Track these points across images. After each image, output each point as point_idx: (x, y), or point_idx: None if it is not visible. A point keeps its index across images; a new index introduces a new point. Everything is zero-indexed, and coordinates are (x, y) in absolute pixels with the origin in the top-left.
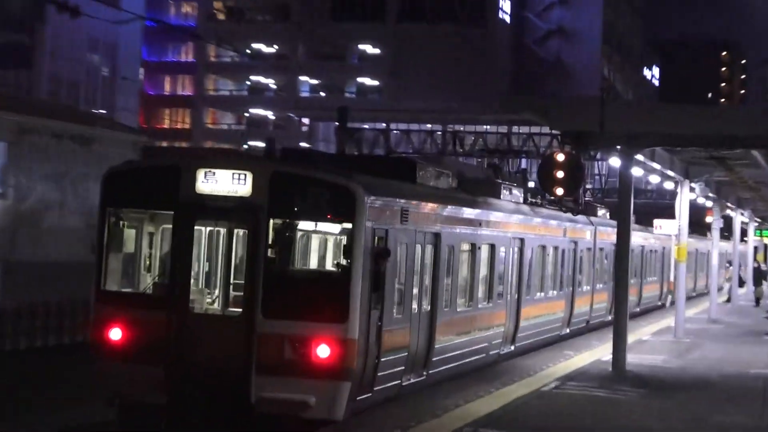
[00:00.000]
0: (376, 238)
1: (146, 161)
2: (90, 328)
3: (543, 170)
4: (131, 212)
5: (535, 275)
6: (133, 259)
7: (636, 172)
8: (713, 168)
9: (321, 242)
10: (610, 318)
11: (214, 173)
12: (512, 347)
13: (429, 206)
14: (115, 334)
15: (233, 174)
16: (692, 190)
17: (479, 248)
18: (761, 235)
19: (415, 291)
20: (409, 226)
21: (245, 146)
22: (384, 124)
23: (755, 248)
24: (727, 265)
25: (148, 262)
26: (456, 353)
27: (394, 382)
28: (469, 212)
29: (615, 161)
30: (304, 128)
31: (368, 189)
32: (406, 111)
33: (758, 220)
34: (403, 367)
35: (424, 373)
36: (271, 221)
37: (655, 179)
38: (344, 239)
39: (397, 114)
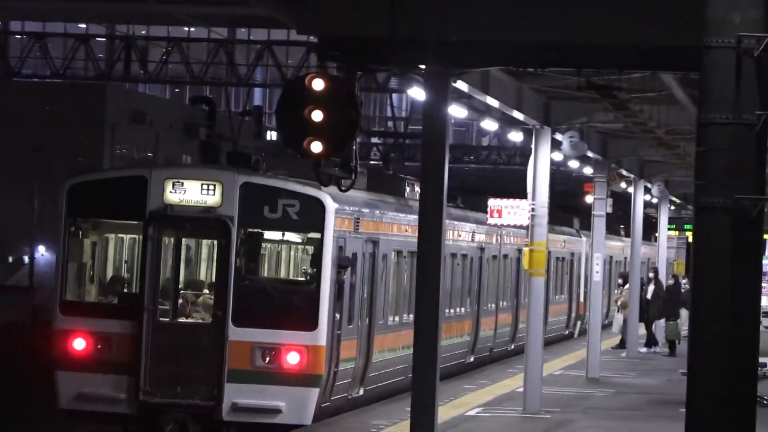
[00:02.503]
0: (338, 247)
1: (111, 171)
2: (52, 339)
3: (286, 109)
4: (95, 222)
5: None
6: (98, 269)
7: (456, 111)
8: (594, 106)
9: (290, 252)
10: (513, 347)
11: (182, 184)
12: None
13: (375, 212)
14: (79, 344)
15: (202, 185)
16: (557, 145)
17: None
18: (685, 229)
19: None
20: (360, 235)
21: None
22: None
23: (673, 251)
24: (619, 282)
25: (113, 273)
26: (389, 370)
27: (344, 394)
28: (400, 217)
29: (418, 93)
30: None
31: (334, 199)
32: None
33: (676, 199)
34: (350, 380)
35: (362, 389)
36: (241, 231)
37: (491, 126)
38: (312, 249)
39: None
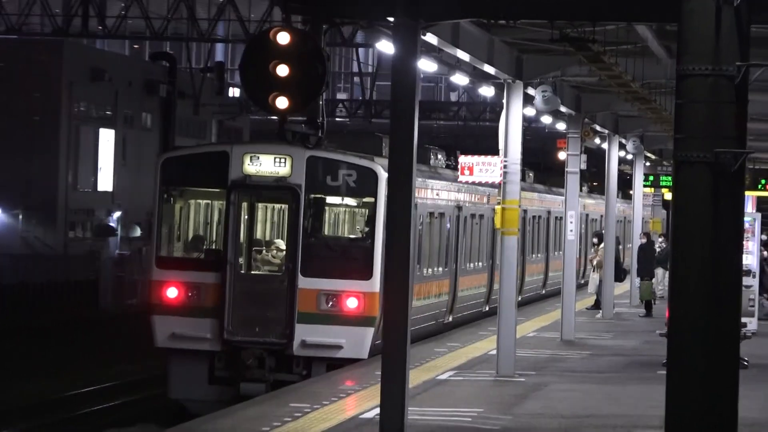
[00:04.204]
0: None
1: (198, 147)
2: (149, 289)
3: (251, 64)
4: (185, 190)
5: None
6: (187, 229)
7: (426, 65)
8: (567, 60)
9: (348, 214)
10: (487, 308)
11: (258, 157)
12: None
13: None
14: (172, 292)
15: (275, 158)
16: (530, 100)
17: None
18: (661, 185)
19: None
20: None
21: None
22: None
23: (649, 208)
24: (594, 242)
25: (200, 232)
26: (420, 316)
27: None
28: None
29: (386, 46)
30: None
31: (385, 169)
32: None
33: (651, 155)
34: None
35: None
36: (308, 197)
37: (461, 80)
38: (367, 211)
39: None
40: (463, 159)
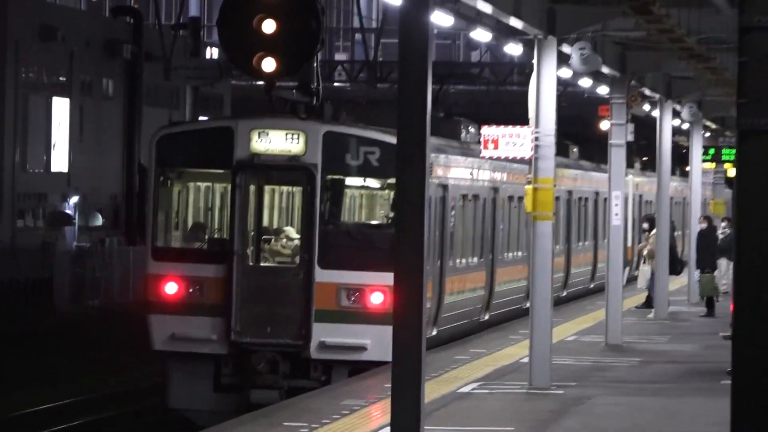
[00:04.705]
0: None
1: (198, 123)
2: (145, 284)
3: (231, 19)
4: (184, 172)
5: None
6: (187, 216)
7: (440, 19)
8: (609, 11)
9: (371, 197)
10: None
11: (267, 133)
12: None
13: (445, 158)
14: (171, 288)
15: (287, 134)
16: (565, 60)
17: None
18: (724, 160)
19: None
20: (432, 179)
21: None
22: None
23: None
24: (645, 227)
25: (201, 219)
26: (455, 312)
27: None
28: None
29: None
30: None
31: None
32: None
33: (710, 124)
34: (426, 320)
35: (434, 330)
36: (325, 178)
37: (483, 37)
38: (393, 193)
39: None
40: (486, 130)
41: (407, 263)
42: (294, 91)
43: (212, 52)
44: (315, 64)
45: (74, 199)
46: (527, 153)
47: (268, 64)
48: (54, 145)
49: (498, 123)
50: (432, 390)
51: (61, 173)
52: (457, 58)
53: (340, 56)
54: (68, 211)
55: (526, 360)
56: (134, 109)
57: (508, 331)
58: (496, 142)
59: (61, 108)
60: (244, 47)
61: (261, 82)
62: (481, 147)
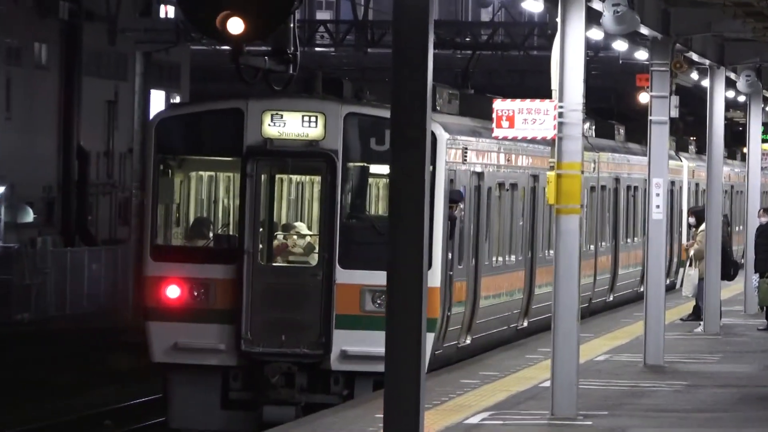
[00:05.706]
0: (449, 180)
1: (203, 104)
2: (143, 288)
3: None
4: (187, 160)
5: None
6: (191, 210)
7: None
8: None
9: None
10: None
11: (281, 116)
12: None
13: (480, 142)
14: (173, 291)
15: (303, 116)
16: (595, 18)
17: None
18: None
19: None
20: (467, 167)
21: None
22: None
23: None
24: (691, 222)
25: (207, 214)
26: (492, 318)
27: (453, 342)
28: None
29: None
30: None
31: (445, 128)
32: None
33: None
34: (460, 326)
35: (469, 338)
36: (346, 165)
37: None
38: None
39: None
40: (499, 104)
41: (404, 263)
42: (266, 57)
43: (167, 11)
44: (291, 25)
45: (0, 190)
46: (549, 132)
47: (235, 26)
48: None
49: (514, 96)
50: (433, 421)
51: None
52: (465, 16)
53: (322, 15)
54: None
55: (547, 384)
56: (72, 81)
57: (524, 349)
58: (511, 119)
59: None
60: (205, 4)
61: (226, 47)
62: (494, 125)
